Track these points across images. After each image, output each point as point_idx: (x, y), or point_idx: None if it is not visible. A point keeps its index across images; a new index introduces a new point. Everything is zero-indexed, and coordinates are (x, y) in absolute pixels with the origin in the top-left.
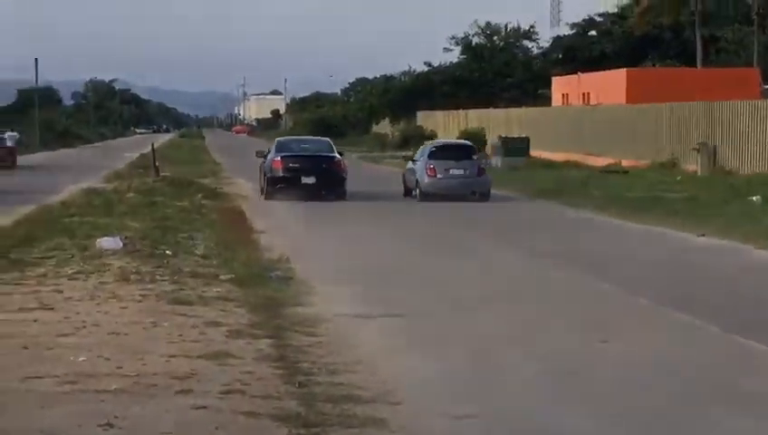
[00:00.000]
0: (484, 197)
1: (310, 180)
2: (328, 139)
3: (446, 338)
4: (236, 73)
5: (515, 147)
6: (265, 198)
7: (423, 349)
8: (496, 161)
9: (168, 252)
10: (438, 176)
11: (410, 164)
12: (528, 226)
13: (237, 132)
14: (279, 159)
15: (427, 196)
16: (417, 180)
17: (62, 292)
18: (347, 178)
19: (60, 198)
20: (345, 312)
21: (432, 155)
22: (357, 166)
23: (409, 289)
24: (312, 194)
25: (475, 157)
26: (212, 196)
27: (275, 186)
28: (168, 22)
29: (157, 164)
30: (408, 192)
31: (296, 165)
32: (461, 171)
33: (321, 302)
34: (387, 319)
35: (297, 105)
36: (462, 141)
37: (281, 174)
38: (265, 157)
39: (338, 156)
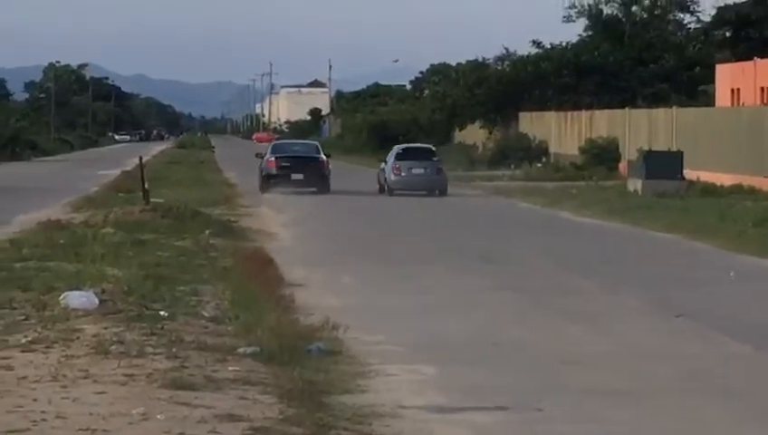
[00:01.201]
0: (443, 193)
1: (298, 177)
2: (316, 142)
3: None
4: (260, 58)
5: (663, 165)
6: (261, 193)
7: None
8: (635, 185)
9: (162, 313)
10: (403, 174)
11: (382, 165)
12: (679, 278)
13: (260, 141)
14: (273, 159)
15: (394, 191)
16: (386, 178)
17: (12, 369)
18: (330, 175)
19: (7, 235)
20: (416, 402)
21: (398, 156)
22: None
23: (512, 366)
24: (300, 188)
25: (435, 159)
26: (225, 232)
27: (269, 181)
28: None
29: (146, 186)
30: (381, 189)
31: (287, 164)
32: (422, 170)
33: (380, 387)
34: (480, 414)
35: (347, 103)
36: (424, 145)
37: (274, 172)
38: (263, 158)
39: (323, 157)
